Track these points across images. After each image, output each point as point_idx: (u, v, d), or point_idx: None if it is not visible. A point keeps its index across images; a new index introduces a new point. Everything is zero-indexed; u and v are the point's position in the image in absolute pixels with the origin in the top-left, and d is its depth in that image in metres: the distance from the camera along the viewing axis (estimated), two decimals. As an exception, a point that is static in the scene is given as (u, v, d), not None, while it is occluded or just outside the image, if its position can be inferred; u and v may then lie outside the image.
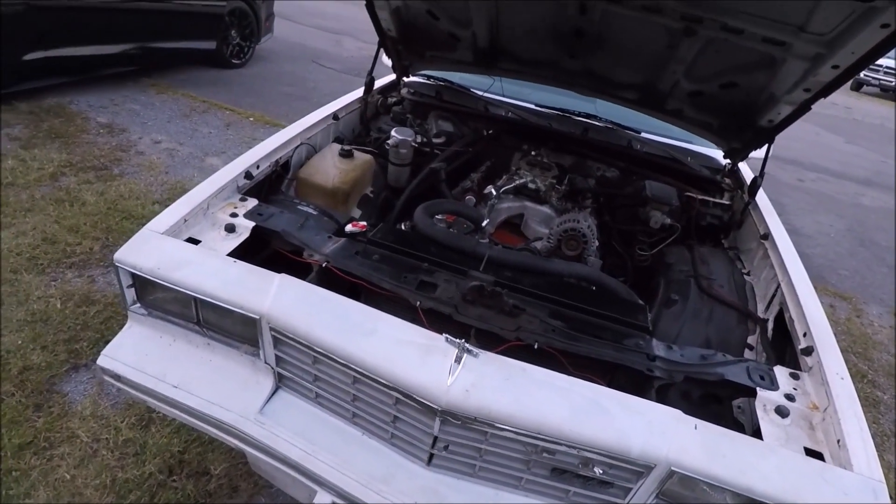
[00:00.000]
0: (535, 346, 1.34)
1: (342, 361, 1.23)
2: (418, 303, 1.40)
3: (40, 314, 2.40)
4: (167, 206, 3.35)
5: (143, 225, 3.16)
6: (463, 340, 1.19)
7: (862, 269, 4.91)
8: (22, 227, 2.93)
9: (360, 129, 2.52)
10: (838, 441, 1.23)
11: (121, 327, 2.39)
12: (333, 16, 10.94)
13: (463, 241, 1.67)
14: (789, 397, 1.35)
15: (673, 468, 1.13)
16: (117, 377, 1.48)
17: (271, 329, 1.32)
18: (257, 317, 1.31)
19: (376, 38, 2.48)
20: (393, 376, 1.18)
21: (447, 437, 1.22)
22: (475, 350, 1.19)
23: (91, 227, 3.03)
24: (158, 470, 1.86)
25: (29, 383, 2.07)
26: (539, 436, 1.14)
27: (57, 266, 2.73)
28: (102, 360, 1.48)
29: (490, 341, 1.34)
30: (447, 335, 1.21)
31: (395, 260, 1.55)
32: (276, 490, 1.90)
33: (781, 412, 1.31)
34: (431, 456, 1.28)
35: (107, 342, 2.30)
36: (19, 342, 2.23)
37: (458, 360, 1.18)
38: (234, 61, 6.46)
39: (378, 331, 1.25)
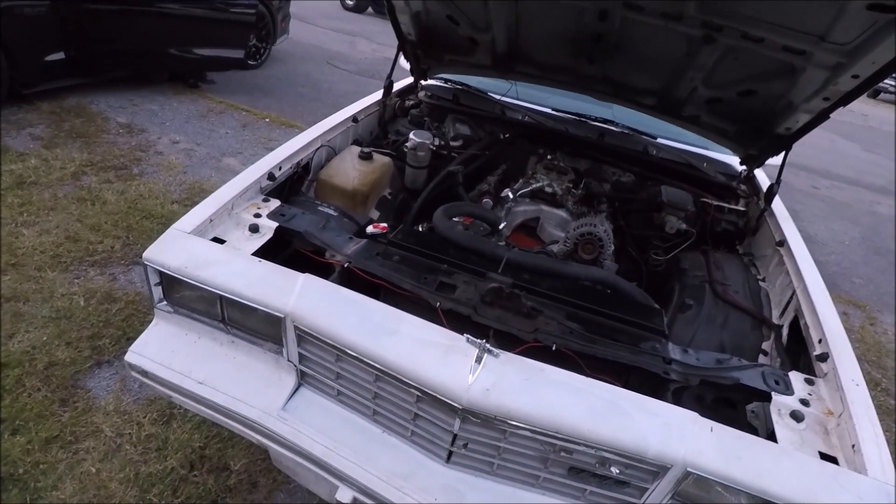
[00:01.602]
0: (553, 348, 1.37)
1: (365, 360, 1.26)
2: (438, 304, 1.43)
3: (64, 311, 2.45)
4: (186, 205, 3.44)
5: (163, 224, 3.24)
6: (484, 341, 1.21)
7: (876, 277, 4.88)
8: (45, 226, 3.00)
9: (378, 132, 2.56)
10: (853, 446, 1.24)
11: (142, 324, 2.47)
12: (348, 17, 11.04)
13: (482, 243, 1.70)
14: (804, 402, 1.36)
15: (689, 469, 1.15)
16: (144, 373, 1.52)
17: (296, 327, 1.35)
18: (282, 315, 1.35)
19: (389, 40, 2.52)
20: (415, 375, 1.21)
21: (467, 435, 1.25)
22: (495, 350, 1.22)
23: (112, 226, 3.09)
24: (180, 465, 1.91)
25: (54, 379, 2.13)
26: (557, 435, 1.16)
27: (80, 264, 2.79)
28: (130, 357, 1.52)
29: (508, 342, 1.36)
30: (468, 335, 1.23)
31: (414, 261, 1.58)
32: (295, 486, 1.93)
33: (796, 417, 1.32)
34: (451, 454, 1.31)
35: (129, 339, 2.39)
36: (44, 338, 2.29)
37: (478, 360, 1.21)
38: (250, 62, 6.54)
39: (401, 331, 1.28)
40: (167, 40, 5.06)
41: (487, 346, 1.21)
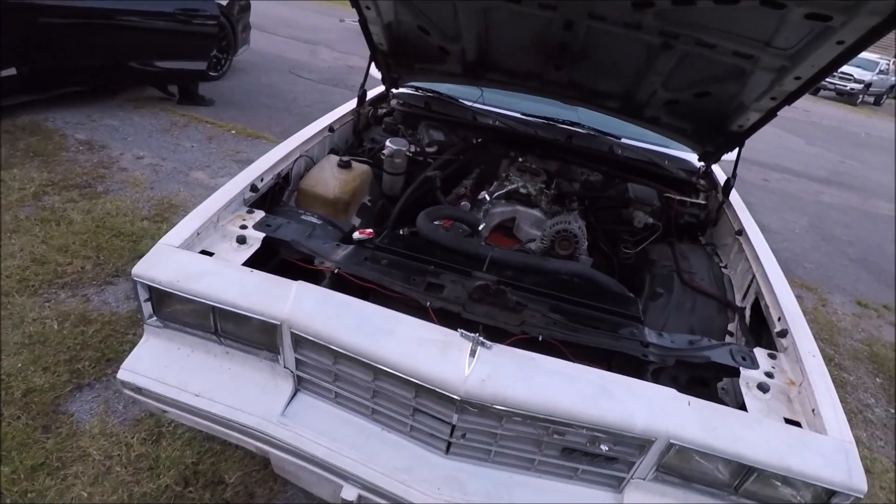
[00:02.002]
0: (540, 339, 1.45)
1: (364, 360, 1.31)
2: (429, 303, 1.49)
3: (38, 336, 2.40)
4: (156, 221, 3.39)
5: (134, 242, 3.19)
6: (478, 334, 1.29)
7: (825, 261, 5.20)
8: (9, 249, 2.91)
9: (353, 141, 2.61)
10: (813, 410, 1.37)
11: (121, 345, 2.45)
12: (308, 26, 10.99)
13: (466, 243, 1.77)
14: (769, 374, 1.49)
15: (672, 440, 1.24)
16: (138, 390, 1.53)
17: (292, 333, 1.39)
18: (279, 322, 1.39)
19: (351, 48, 2.58)
20: (414, 371, 1.27)
21: (465, 425, 1.31)
22: (489, 343, 1.29)
23: (80, 246, 3.02)
24: (174, 482, 1.90)
25: (34, 405, 2.08)
26: (552, 418, 1.24)
27: (49, 287, 2.72)
28: (122, 374, 1.52)
29: (496, 336, 1.43)
30: (462, 330, 1.30)
31: (402, 264, 1.64)
32: (292, 494, 1.95)
33: (763, 388, 1.44)
34: (449, 445, 1.38)
35: (108, 360, 2.36)
36: (19, 365, 2.23)
37: (472, 353, 1.28)
38: (211, 74, 6.45)
39: (397, 330, 1.34)
40: (127, 53, 4.95)
41: (481, 339, 1.28)
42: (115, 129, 4.74)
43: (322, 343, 1.35)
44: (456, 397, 1.24)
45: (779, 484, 1.31)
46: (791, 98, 1.86)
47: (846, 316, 4.23)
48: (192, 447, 2.03)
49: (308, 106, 6.25)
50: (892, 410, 3.22)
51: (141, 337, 1.61)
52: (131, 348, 2.39)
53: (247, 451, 2.02)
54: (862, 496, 1.24)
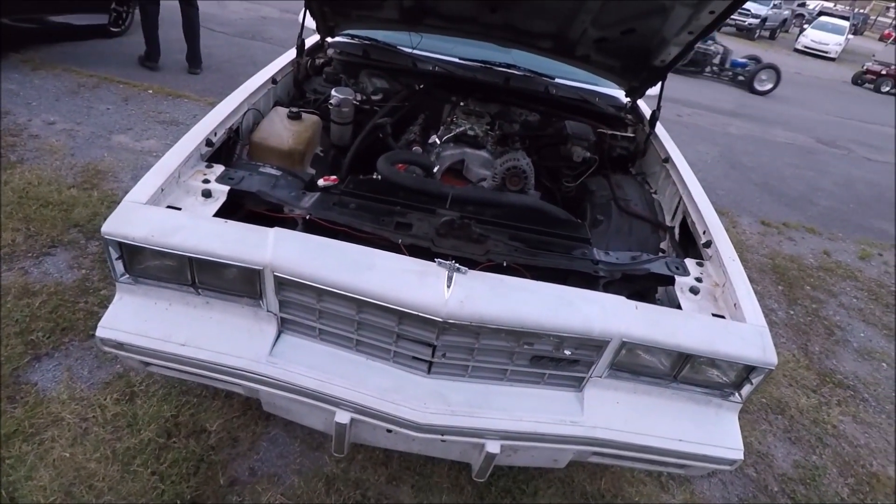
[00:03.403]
0: (504, 265, 1.61)
1: (349, 294, 1.41)
2: (400, 240, 1.60)
3: (-21, 312, 2.29)
4: (85, 188, 3.23)
5: (65, 210, 3.04)
6: (453, 261, 1.41)
7: (734, 188, 5.73)
8: (-76, 228, 2.70)
9: (295, 92, 2.58)
10: (735, 305, 1.63)
11: (73, 313, 2.40)
12: (211, -26, 10.15)
13: (429, 184, 1.87)
14: (698, 279, 1.74)
15: (624, 339, 1.45)
16: (119, 345, 1.55)
17: (275, 276, 1.46)
18: (261, 268, 1.45)
19: None
20: (397, 299, 1.39)
21: (444, 344, 1.46)
22: (464, 269, 1.42)
23: (6, 219, 2.84)
24: (157, 435, 1.95)
25: (-8, 379, 2.03)
26: (523, 329, 1.41)
27: (-21, 263, 2.57)
28: (101, 332, 1.54)
29: (465, 265, 1.57)
30: (439, 260, 1.42)
31: (369, 207, 1.72)
32: (275, 434, 2.06)
33: (694, 291, 1.69)
34: (431, 365, 1.52)
35: (63, 330, 2.32)
36: (-34, 342, 2.15)
37: (449, 279, 1.41)
38: (112, 29, 5.93)
39: (376, 265, 1.44)
40: (11, 6, 4.46)
41: (456, 265, 1.41)
42: (15, 93, 4.32)
43: (306, 283, 1.43)
44: (438, 319, 1.37)
45: (709, 368, 1.57)
46: (706, 31, 2.04)
47: (753, 235, 4.74)
48: (168, 402, 2.07)
49: (227, 61, 5.92)
50: (791, 312, 3.72)
51: (110, 299, 1.61)
52: (86, 316, 2.39)
53: (226, 399, 2.10)
54: (773, 368, 1.51)
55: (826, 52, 20.50)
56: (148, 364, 1.62)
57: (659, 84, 2.54)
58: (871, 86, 16.00)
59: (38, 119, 3.99)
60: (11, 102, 4.15)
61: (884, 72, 15.88)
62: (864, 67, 16.40)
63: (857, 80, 16.36)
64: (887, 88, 15.67)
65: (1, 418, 1.90)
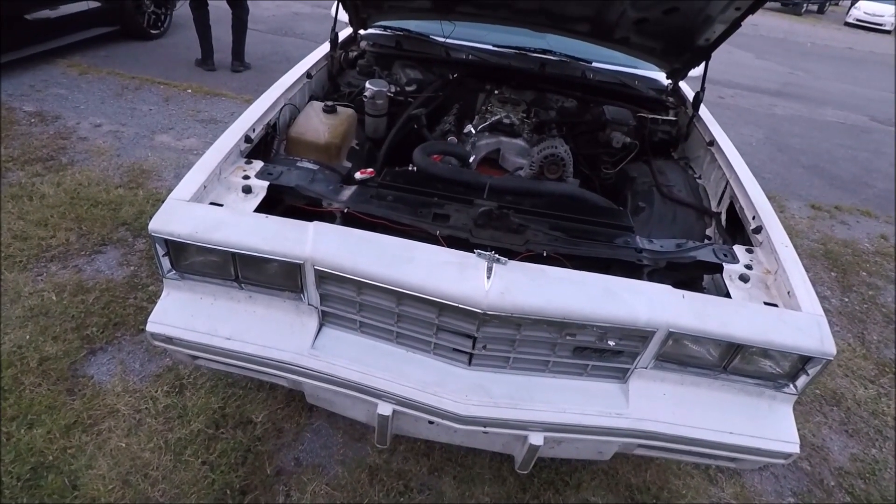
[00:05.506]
0: (545, 255, 1.57)
1: (389, 287, 1.41)
2: (438, 232, 1.58)
3: (38, 308, 2.40)
4: (131, 188, 3.34)
5: (113, 210, 3.15)
6: (493, 252, 1.39)
7: (782, 171, 5.48)
8: (-16, 229, 2.84)
9: (329, 86, 2.60)
10: (788, 293, 1.55)
11: (124, 309, 2.49)
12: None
13: (465, 174, 1.85)
14: (748, 267, 1.66)
15: (671, 329, 1.40)
16: (168, 339, 1.59)
17: (316, 270, 1.47)
18: (301, 262, 1.46)
19: None
20: (438, 291, 1.38)
21: (485, 336, 1.44)
22: (503, 259, 1.40)
23: (60, 219, 2.97)
24: (206, 426, 2.01)
25: (52, 372, 2.12)
26: (566, 320, 1.38)
27: (37, 261, 2.69)
28: (151, 327, 1.58)
29: (504, 256, 1.55)
30: (478, 251, 1.41)
31: (407, 199, 1.72)
32: (319, 425, 2.09)
33: (744, 279, 1.62)
34: (471, 357, 1.51)
35: (116, 325, 2.41)
36: (28, 337, 2.25)
37: (489, 270, 1.39)
38: (152, 31, 6.12)
39: (416, 257, 1.43)
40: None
41: (496, 256, 1.39)
42: (64, 97, 4.51)
43: (347, 276, 1.44)
44: (479, 311, 1.36)
45: (761, 358, 1.50)
46: (754, 7, 1.94)
47: (803, 219, 4.54)
48: (215, 394, 2.13)
49: (261, 58, 6.01)
50: (846, 300, 3.55)
51: (158, 294, 1.66)
52: (136, 311, 2.48)
53: (270, 391, 2.15)
54: (832, 358, 1.44)
55: (881, 25, 19.35)
56: (196, 357, 1.66)
57: (702, 65, 2.43)
58: (931, 58, 15.03)
59: (85, 122, 4.15)
60: (61, 106, 4.34)
61: (944, 43, 14.91)
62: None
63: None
64: (948, 61, 14.69)
65: (62, 410, 1.99)
